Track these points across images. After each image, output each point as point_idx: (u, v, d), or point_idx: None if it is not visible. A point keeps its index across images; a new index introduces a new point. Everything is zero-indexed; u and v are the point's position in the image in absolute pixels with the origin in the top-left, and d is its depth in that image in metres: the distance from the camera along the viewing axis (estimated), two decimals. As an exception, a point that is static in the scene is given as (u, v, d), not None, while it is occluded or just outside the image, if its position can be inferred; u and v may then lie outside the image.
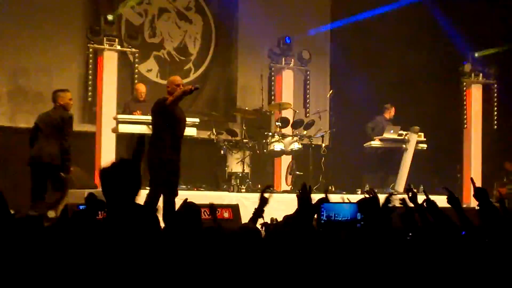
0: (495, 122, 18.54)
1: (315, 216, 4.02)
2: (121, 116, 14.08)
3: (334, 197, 11.51)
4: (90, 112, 15.75)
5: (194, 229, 5.49)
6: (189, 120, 14.75)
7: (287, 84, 17.24)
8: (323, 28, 18.49)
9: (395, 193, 15.23)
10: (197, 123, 14.89)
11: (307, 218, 3.85)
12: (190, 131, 14.63)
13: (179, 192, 10.69)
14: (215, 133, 15.16)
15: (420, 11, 17.70)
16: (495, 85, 18.60)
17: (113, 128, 14.25)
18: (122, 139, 14.57)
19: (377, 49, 18.55)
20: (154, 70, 17.09)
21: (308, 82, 17.64)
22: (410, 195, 4.96)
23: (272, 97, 17.12)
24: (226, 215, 11.65)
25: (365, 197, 3.87)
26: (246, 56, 18.14)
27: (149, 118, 14.08)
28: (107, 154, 14.43)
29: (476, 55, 18.31)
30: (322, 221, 6.96)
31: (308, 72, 17.64)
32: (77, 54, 16.00)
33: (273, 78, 17.23)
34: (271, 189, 14.40)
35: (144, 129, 13.86)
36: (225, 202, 12.65)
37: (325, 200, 3.92)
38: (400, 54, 18.47)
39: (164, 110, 10.52)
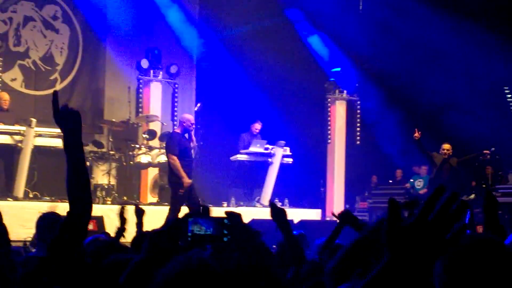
0: (358, 137, 19.00)
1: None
2: (-19, 125, 13.78)
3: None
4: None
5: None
6: (53, 131, 14.56)
7: (155, 96, 17.19)
8: (191, 41, 18.49)
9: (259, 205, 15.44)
10: (61, 133, 14.65)
11: (174, 233, 3.85)
12: (54, 142, 14.40)
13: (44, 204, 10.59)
14: (80, 145, 14.93)
15: (288, 28, 17.93)
16: (358, 102, 19.07)
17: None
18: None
19: (245, 64, 18.72)
20: (19, 79, 16.71)
21: (176, 95, 17.63)
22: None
23: (140, 109, 17.03)
24: (90, 227, 11.39)
25: (231, 211, 3.88)
26: (114, 67, 17.98)
27: (11, 128, 13.80)
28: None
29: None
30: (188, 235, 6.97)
31: (176, 85, 17.63)
32: None
33: (141, 90, 17.13)
34: (137, 201, 14.37)
35: (6, 139, 13.59)
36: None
37: (191, 214, 3.93)
38: (269, 70, 18.72)
39: None
